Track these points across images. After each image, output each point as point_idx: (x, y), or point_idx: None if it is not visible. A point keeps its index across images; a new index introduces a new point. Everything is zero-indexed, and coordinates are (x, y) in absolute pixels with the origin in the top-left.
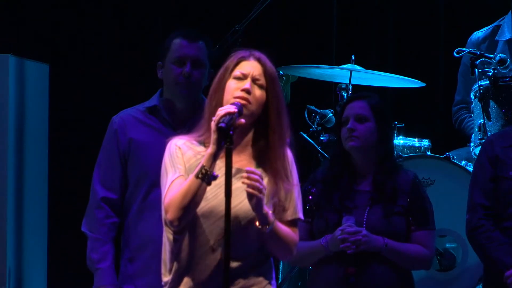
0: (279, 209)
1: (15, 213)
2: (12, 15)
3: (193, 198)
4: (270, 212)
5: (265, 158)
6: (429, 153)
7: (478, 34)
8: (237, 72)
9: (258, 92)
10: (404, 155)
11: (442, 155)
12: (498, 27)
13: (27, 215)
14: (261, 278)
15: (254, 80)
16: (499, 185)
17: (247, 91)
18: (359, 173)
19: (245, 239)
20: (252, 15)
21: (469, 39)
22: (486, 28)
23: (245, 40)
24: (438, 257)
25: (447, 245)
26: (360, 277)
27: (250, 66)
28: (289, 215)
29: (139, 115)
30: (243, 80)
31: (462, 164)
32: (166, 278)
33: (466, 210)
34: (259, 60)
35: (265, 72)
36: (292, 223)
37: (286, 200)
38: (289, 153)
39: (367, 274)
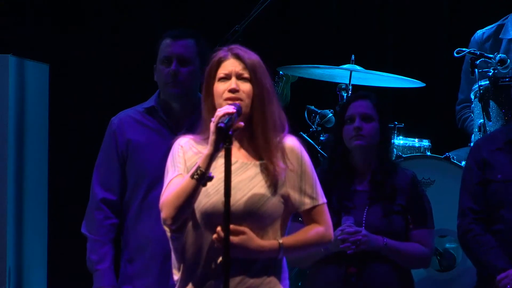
0: (293, 201)
1: (15, 213)
2: (12, 15)
3: (188, 198)
4: (266, 245)
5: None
6: (429, 153)
7: (482, 32)
8: (220, 74)
9: (245, 87)
10: (404, 155)
11: (442, 155)
12: (502, 25)
13: (27, 215)
14: (270, 278)
15: (238, 76)
16: (488, 188)
17: (234, 91)
18: (358, 173)
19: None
20: (252, 15)
21: (472, 37)
22: (490, 26)
23: (245, 40)
24: (438, 257)
25: (447, 245)
26: (360, 277)
27: (231, 64)
28: (307, 204)
29: (138, 116)
30: (228, 80)
31: (462, 164)
32: (176, 276)
33: (457, 215)
34: (237, 56)
35: (246, 65)
36: (313, 211)
37: (296, 189)
38: (290, 140)
39: (367, 274)
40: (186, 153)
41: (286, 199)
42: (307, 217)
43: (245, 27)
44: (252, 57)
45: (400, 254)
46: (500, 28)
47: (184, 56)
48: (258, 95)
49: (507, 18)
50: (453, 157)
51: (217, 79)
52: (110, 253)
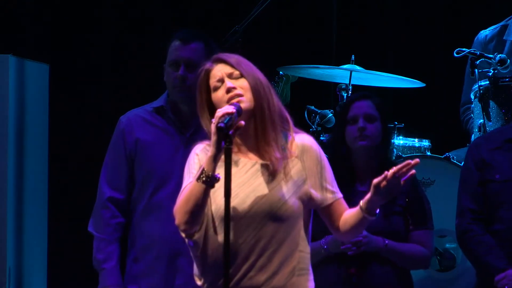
0: (315, 198)
1: (15, 213)
2: (12, 15)
3: (197, 201)
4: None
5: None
6: (429, 153)
7: (485, 33)
8: (213, 83)
9: (240, 83)
10: (404, 155)
11: (442, 155)
12: (505, 26)
13: (27, 215)
14: (294, 279)
15: (229, 76)
16: (487, 188)
17: (231, 89)
18: (359, 173)
19: (273, 235)
20: (252, 15)
21: (475, 38)
22: (493, 27)
23: (245, 40)
24: (438, 257)
25: (447, 245)
26: (360, 278)
27: (218, 70)
28: (329, 199)
29: (146, 115)
30: (222, 84)
31: (462, 164)
32: (199, 282)
33: (456, 215)
34: (221, 60)
35: (233, 64)
36: (335, 205)
37: (318, 186)
38: (306, 139)
39: (368, 274)
40: (201, 160)
41: (308, 197)
42: (328, 211)
43: (245, 27)
44: (235, 56)
45: (400, 255)
46: (503, 29)
47: (192, 61)
48: (254, 87)
49: (510, 18)
50: (453, 157)
51: (212, 90)
52: (116, 252)
